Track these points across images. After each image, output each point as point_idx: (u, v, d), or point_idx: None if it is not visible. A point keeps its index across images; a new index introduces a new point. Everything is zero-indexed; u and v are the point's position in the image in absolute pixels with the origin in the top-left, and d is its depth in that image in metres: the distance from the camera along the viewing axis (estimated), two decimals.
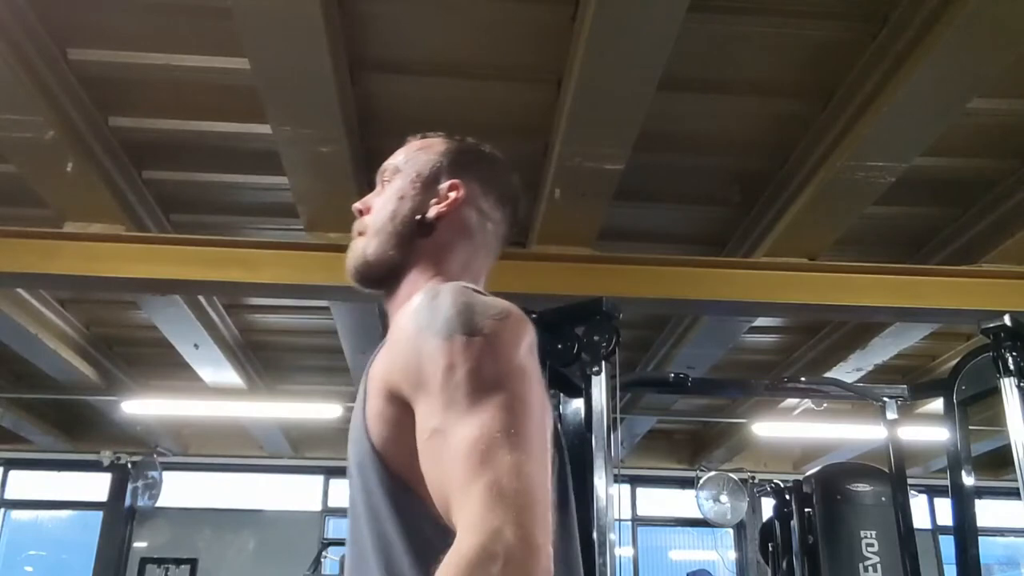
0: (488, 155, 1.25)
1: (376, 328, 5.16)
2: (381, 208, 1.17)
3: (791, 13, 3.07)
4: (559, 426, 1.05)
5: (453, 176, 1.17)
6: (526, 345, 0.95)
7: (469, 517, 0.81)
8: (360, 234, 1.19)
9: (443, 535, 0.85)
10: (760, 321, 5.28)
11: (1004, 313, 3.31)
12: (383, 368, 1.01)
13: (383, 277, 1.16)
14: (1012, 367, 3.21)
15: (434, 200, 1.16)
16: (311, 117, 3.26)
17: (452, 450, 0.86)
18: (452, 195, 1.16)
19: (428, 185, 1.17)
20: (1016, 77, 3.20)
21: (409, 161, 1.20)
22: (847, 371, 5.74)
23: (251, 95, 3.23)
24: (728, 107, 3.61)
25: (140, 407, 6.93)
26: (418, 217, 1.15)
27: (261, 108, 3.25)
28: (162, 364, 6.47)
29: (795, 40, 3.21)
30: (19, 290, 5.00)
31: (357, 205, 1.21)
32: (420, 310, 0.99)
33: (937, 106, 3.14)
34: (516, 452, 0.83)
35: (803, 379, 4.58)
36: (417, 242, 1.15)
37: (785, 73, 3.40)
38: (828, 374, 5.65)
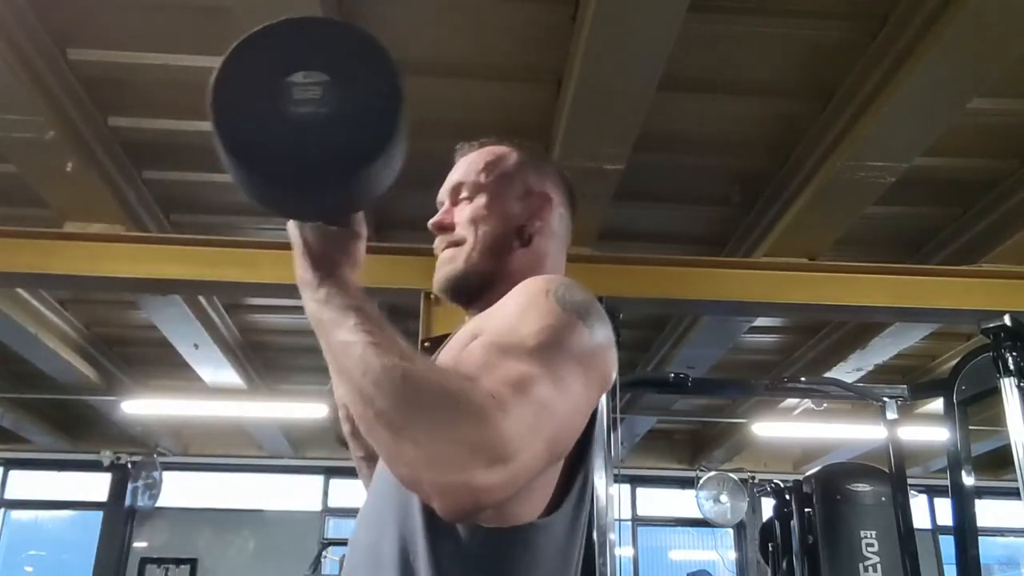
0: (551, 160, 1.27)
1: None
2: (480, 223, 1.15)
3: (791, 13, 3.07)
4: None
5: (538, 185, 1.19)
6: (607, 378, 0.96)
7: (487, 377, 0.82)
8: (451, 246, 1.16)
9: (470, 538, 0.87)
10: (760, 321, 5.28)
11: (1004, 313, 3.31)
12: (481, 318, 1.02)
13: (479, 289, 1.14)
14: (1012, 367, 3.21)
15: (528, 212, 1.16)
16: None
17: (499, 358, 0.85)
18: (546, 206, 1.18)
19: (520, 199, 1.17)
20: (1016, 77, 3.20)
21: (491, 176, 1.18)
22: (847, 371, 5.74)
23: None
24: (728, 107, 3.61)
25: (140, 407, 6.93)
26: (519, 229, 1.15)
27: None
28: (162, 364, 6.47)
29: (795, 40, 3.21)
30: (19, 290, 5.00)
31: (437, 221, 1.18)
32: (551, 282, 1.00)
33: (937, 106, 3.14)
34: (548, 417, 0.83)
35: (803, 379, 4.59)
36: (515, 254, 1.14)
37: (785, 73, 3.40)
38: (828, 374, 5.65)
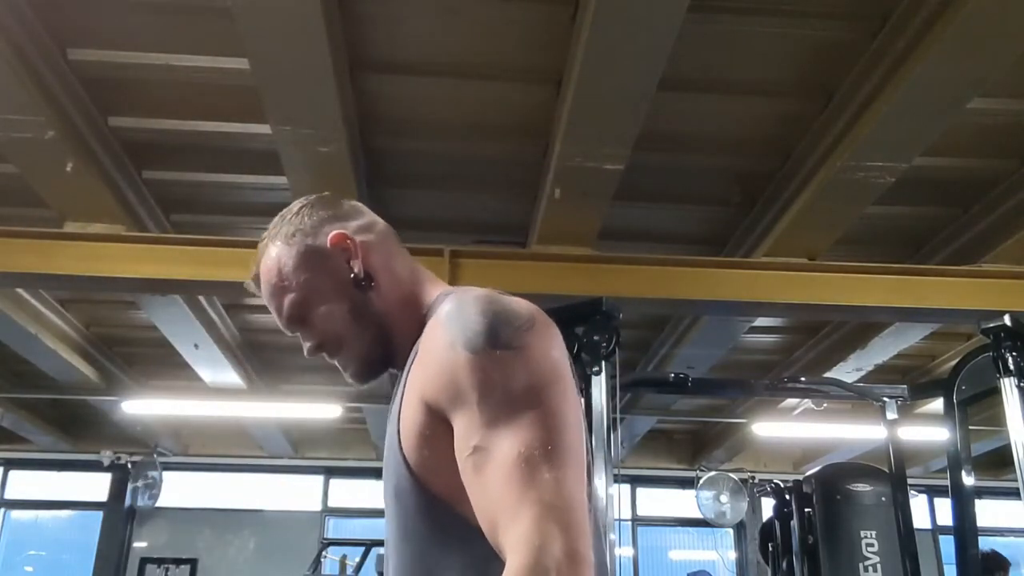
0: (295, 208, 1.19)
1: None
2: (328, 322, 1.12)
3: (791, 13, 3.07)
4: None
5: (321, 240, 1.13)
6: (555, 349, 0.98)
7: (517, 535, 0.85)
8: (335, 355, 1.15)
9: (478, 543, 0.91)
10: (760, 321, 5.28)
11: (1004, 313, 3.31)
12: (418, 381, 1.02)
13: (384, 357, 1.14)
14: (1012, 367, 3.21)
15: (341, 268, 1.12)
16: (311, 117, 3.26)
17: (495, 471, 0.90)
18: (347, 243, 1.13)
19: (323, 267, 1.12)
20: (1016, 77, 3.20)
21: (288, 280, 1.13)
22: (847, 371, 5.74)
23: (251, 95, 3.23)
24: (728, 107, 3.61)
25: (140, 407, 6.93)
26: (354, 285, 1.11)
27: (261, 108, 3.25)
28: (162, 364, 6.47)
29: (795, 40, 3.21)
30: (19, 290, 5.00)
31: (308, 353, 1.16)
32: (450, 321, 0.99)
33: (937, 106, 3.14)
34: (555, 469, 0.89)
35: (803, 379, 4.58)
36: (373, 301, 1.12)
37: (785, 73, 3.40)
38: (828, 374, 5.65)
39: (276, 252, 1.15)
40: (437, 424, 0.97)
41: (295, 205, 1.19)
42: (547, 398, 0.93)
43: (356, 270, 1.12)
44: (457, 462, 0.94)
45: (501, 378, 0.93)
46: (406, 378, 1.05)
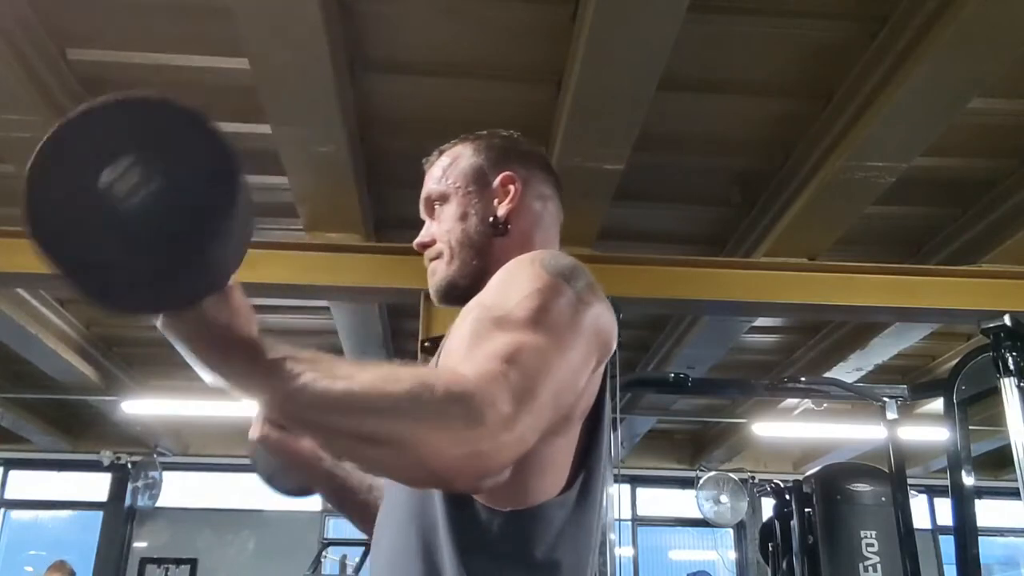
0: (511, 137, 1.25)
1: (376, 328, 5.16)
2: (451, 230, 1.16)
3: (791, 13, 3.07)
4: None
5: (500, 170, 1.17)
6: (602, 336, 0.97)
7: (480, 366, 0.82)
8: (434, 259, 1.17)
9: (490, 523, 0.88)
10: (760, 321, 5.28)
11: (1004, 313, 3.31)
12: (464, 311, 1.02)
13: (470, 289, 1.13)
14: (1012, 367, 3.21)
15: (496, 200, 1.16)
16: (311, 117, 3.26)
17: (499, 334, 0.87)
18: (511, 188, 1.16)
19: (482, 190, 1.16)
20: (1016, 77, 3.20)
21: (449, 178, 1.18)
22: (847, 371, 5.74)
23: (251, 95, 3.23)
24: (728, 107, 3.61)
25: (140, 407, 6.93)
26: (492, 220, 1.14)
27: (261, 108, 3.25)
28: (162, 364, 6.47)
29: (795, 40, 3.21)
30: (19, 290, 5.00)
31: (419, 240, 1.19)
32: (539, 252, 1.02)
33: (937, 106, 3.14)
34: (543, 377, 0.84)
35: (803, 379, 4.58)
36: (496, 244, 1.14)
37: (785, 73, 3.40)
38: (828, 374, 5.65)
39: (463, 150, 1.20)
40: None
41: (514, 135, 1.25)
42: (572, 342, 0.91)
43: (499, 212, 1.15)
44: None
45: (551, 297, 0.92)
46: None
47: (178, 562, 8.12)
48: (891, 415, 4.07)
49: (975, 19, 2.68)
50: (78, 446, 8.30)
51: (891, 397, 4.10)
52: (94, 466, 8.34)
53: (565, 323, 0.91)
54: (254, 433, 1.17)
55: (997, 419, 3.59)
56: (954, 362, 3.85)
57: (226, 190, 0.78)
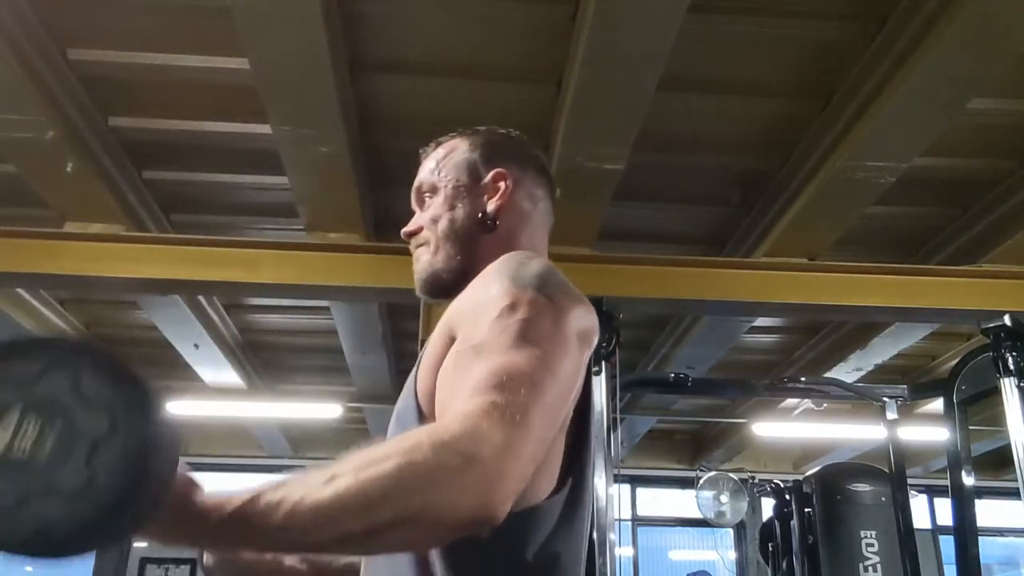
0: (509, 135, 1.26)
1: (376, 328, 5.16)
2: (438, 221, 1.16)
3: (791, 13, 3.07)
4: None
5: (492, 167, 1.18)
6: (585, 334, 0.97)
7: (463, 407, 0.80)
8: (420, 246, 1.18)
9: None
10: (760, 321, 5.28)
11: (1004, 313, 3.31)
12: (451, 310, 1.03)
13: (455, 283, 1.14)
14: (1012, 367, 3.21)
15: (486, 196, 1.16)
16: (311, 117, 3.26)
17: (477, 366, 0.86)
18: (502, 185, 1.16)
19: (473, 184, 1.17)
20: (1016, 77, 3.20)
21: (442, 170, 1.19)
22: (847, 371, 5.74)
23: (251, 95, 3.23)
24: (728, 107, 3.61)
25: None
26: (480, 215, 1.15)
27: (261, 108, 3.25)
28: (162, 364, 6.47)
29: (795, 40, 3.21)
30: (19, 290, 5.00)
31: (407, 229, 1.20)
32: (507, 261, 1.02)
33: (937, 106, 3.14)
34: (531, 399, 0.83)
35: (803, 379, 4.58)
36: (483, 240, 1.14)
37: (785, 73, 3.40)
38: (828, 374, 5.65)
39: (459, 143, 1.21)
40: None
41: (511, 133, 1.26)
42: (556, 354, 0.90)
43: (488, 208, 1.15)
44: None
45: (526, 312, 0.91)
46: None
47: (178, 562, 8.11)
48: (891, 415, 4.07)
49: (975, 19, 2.68)
50: None
51: (891, 397, 4.10)
52: None
53: (546, 335, 0.91)
54: (208, 560, 1.10)
55: (997, 419, 3.59)
56: (954, 362, 3.85)
57: (140, 433, 0.73)
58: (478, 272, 1.09)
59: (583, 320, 0.98)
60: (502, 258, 1.04)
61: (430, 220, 1.17)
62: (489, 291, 0.97)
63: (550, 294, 0.95)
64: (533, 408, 0.82)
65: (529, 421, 0.81)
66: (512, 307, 0.92)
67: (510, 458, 0.77)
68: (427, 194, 1.19)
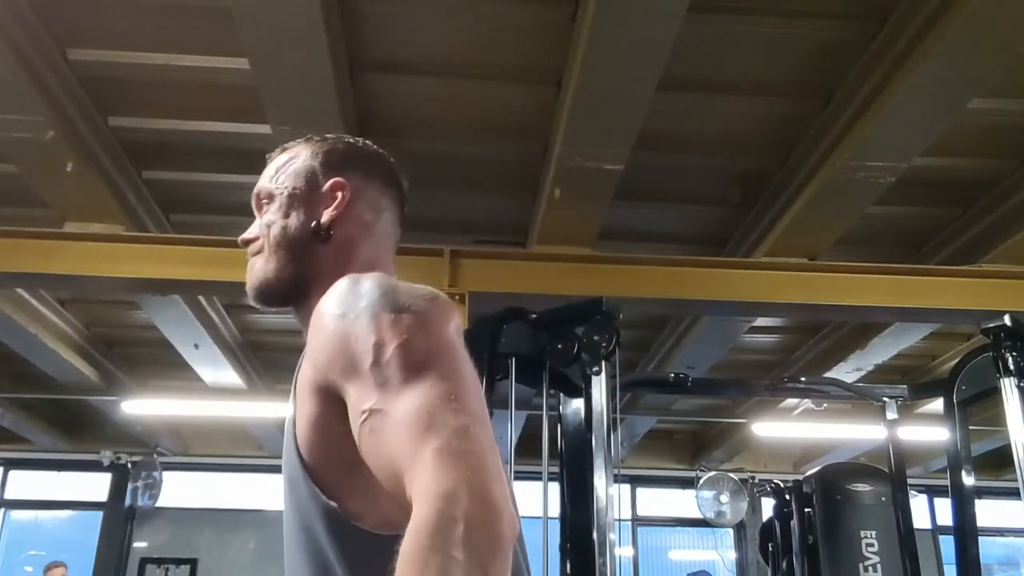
0: (356, 144, 1.22)
1: None
2: (272, 228, 1.13)
3: (791, 13, 3.07)
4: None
5: (332, 175, 1.14)
6: (454, 325, 0.93)
7: (421, 485, 0.77)
8: (252, 252, 1.15)
9: (380, 552, 0.81)
10: (760, 321, 5.28)
11: (1004, 313, 3.31)
12: (308, 367, 1.00)
13: (287, 293, 1.13)
14: (1012, 367, 3.21)
15: (322, 205, 1.12)
16: (311, 117, 3.26)
17: (394, 425, 0.83)
18: (339, 195, 1.13)
19: (310, 193, 1.13)
20: (1016, 77, 3.20)
21: (281, 176, 1.16)
22: (847, 371, 5.74)
23: (251, 95, 3.23)
24: (728, 107, 3.61)
25: (140, 407, 6.92)
26: (313, 225, 1.11)
27: (261, 108, 3.25)
28: (162, 364, 6.47)
29: (795, 40, 3.21)
30: (19, 290, 5.00)
31: (243, 236, 1.17)
32: (342, 295, 0.96)
33: (937, 106, 3.14)
34: (461, 416, 0.81)
35: (803, 379, 4.57)
36: (317, 250, 1.11)
37: (785, 73, 3.40)
38: (828, 374, 5.65)
39: (301, 150, 1.18)
40: (332, 412, 0.93)
41: (359, 142, 1.22)
42: (447, 360, 0.87)
43: (323, 218, 1.12)
44: (352, 434, 0.88)
45: (396, 338, 0.87)
46: (298, 372, 1.04)
47: (178, 562, 8.12)
48: (891, 415, 4.07)
49: (975, 18, 2.68)
50: (78, 446, 8.30)
51: (891, 397, 4.09)
52: (94, 466, 8.34)
53: (429, 350, 0.87)
54: None
55: (997, 419, 3.59)
56: (954, 362, 3.85)
57: None
58: (316, 282, 1.07)
59: (443, 310, 0.94)
60: (331, 294, 0.98)
61: (265, 227, 1.14)
62: (347, 335, 0.91)
63: (405, 306, 0.91)
64: (467, 423, 0.80)
65: (473, 435, 0.79)
66: (379, 345, 0.87)
67: (486, 480, 0.76)
68: (264, 201, 1.16)
